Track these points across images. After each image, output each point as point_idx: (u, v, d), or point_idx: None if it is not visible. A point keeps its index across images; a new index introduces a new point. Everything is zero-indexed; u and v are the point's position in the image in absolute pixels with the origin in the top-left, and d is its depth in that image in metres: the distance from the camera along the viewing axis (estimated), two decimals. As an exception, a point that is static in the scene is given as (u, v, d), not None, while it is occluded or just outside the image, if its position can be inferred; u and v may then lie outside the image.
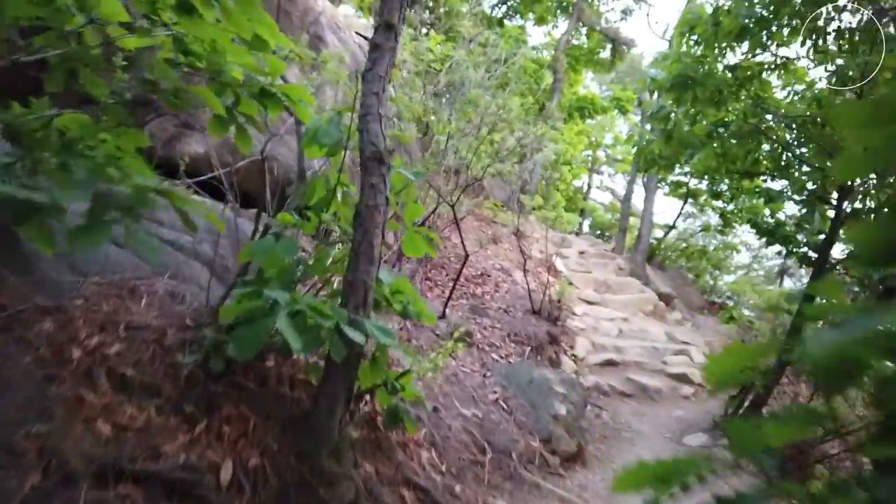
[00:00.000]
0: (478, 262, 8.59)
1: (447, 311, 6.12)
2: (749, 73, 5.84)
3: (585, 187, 25.89)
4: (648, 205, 11.87)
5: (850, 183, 5.74)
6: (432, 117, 8.32)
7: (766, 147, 6.40)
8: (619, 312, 9.68)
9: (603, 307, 9.87)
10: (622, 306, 10.04)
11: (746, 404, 5.80)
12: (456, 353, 5.42)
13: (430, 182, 8.54)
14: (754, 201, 14.73)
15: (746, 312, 9.42)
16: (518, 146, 9.94)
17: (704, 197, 16.00)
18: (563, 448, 4.62)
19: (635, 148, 6.73)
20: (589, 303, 9.94)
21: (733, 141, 6.39)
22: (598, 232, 25.24)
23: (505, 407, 4.81)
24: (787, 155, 6.46)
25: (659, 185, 15.87)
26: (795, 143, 6.17)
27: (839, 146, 5.68)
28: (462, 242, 6.88)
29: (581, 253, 12.57)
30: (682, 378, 7.32)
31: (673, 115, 6.18)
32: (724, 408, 6.06)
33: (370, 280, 2.51)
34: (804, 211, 13.30)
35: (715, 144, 6.29)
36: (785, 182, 12.35)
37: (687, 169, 14.44)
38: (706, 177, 15.02)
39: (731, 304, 12.55)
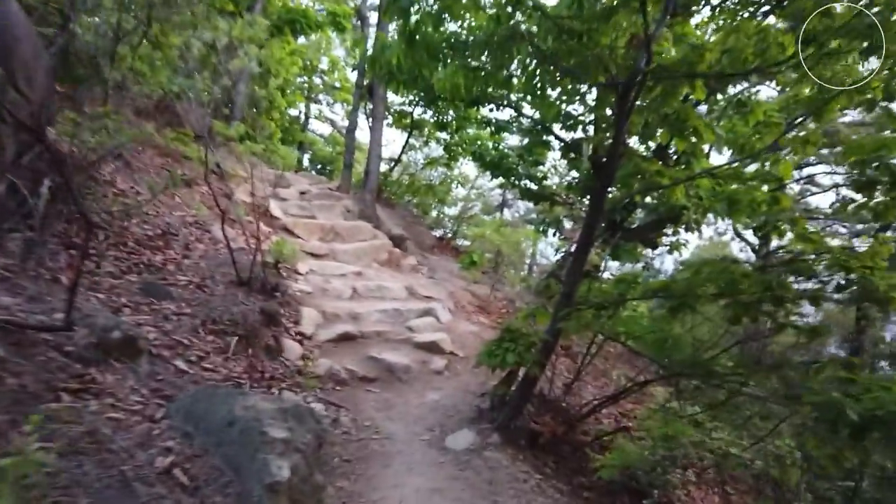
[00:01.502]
0: (159, 215, 6.07)
1: (76, 307, 3.69)
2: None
3: (303, 118, 23.59)
4: (375, 136, 10.35)
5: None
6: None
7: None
8: (352, 265, 8.12)
9: (332, 260, 8.19)
10: (354, 257, 8.49)
11: (515, 385, 4.73)
12: (99, 376, 3.19)
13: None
14: (479, 131, 14.42)
15: (487, 255, 8.66)
16: (208, 53, 7.37)
17: (428, 129, 15.25)
18: (290, 531, 2.84)
19: (368, 56, 4.93)
20: (315, 256, 8.16)
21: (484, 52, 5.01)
22: (319, 166, 23.37)
23: (185, 482, 2.80)
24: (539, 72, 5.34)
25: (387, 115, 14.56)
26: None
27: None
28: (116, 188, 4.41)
29: (302, 193, 10.60)
30: (432, 348, 6.09)
31: (416, 6, 4.50)
32: (491, 395, 4.93)
33: None
34: (526, 142, 13.33)
35: (467, 53, 4.83)
36: (512, 112, 12.04)
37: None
38: (432, 106, 14.17)
39: (469, 245, 12.01)
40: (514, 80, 5.51)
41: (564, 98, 6.13)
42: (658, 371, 5.15)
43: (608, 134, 10.92)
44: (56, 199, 4.73)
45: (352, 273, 7.82)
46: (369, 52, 4.93)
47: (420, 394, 5.41)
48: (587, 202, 10.05)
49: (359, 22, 12.95)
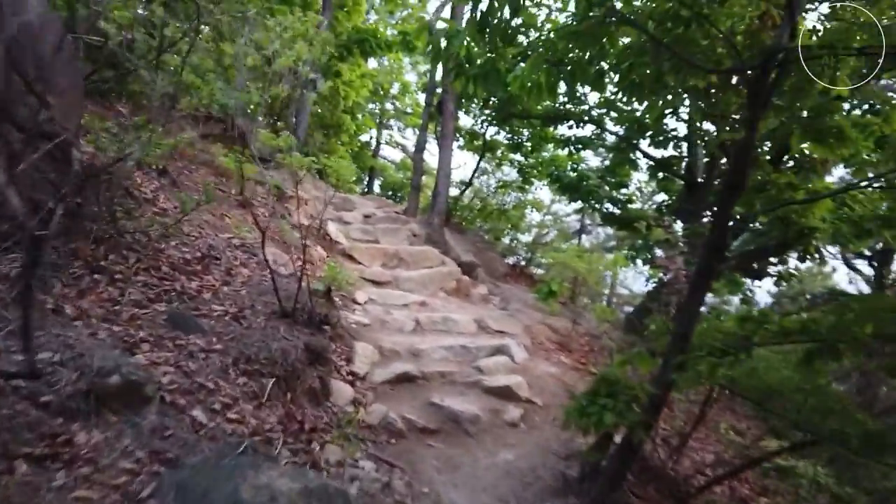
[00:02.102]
0: (202, 236, 5.52)
1: (69, 343, 3.04)
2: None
3: (374, 143, 23.45)
4: (444, 155, 9.62)
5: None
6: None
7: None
8: (416, 294, 7.33)
9: (395, 288, 7.44)
10: (419, 285, 7.72)
11: (612, 450, 3.72)
12: (80, 436, 2.50)
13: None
14: (557, 152, 13.48)
15: (566, 284, 7.65)
16: (267, 65, 6.89)
17: (501, 150, 14.47)
18: None
19: (430, 48, 4.17)
20: (376, 283, 7.44)
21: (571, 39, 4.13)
22: (390, 193, 23.03)
23: None
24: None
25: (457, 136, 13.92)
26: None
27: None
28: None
29: (367, 217, 9.99)
30: (506, 393, 5.15)
31: (490, -17, 3.71)
32: (582, 461, 3.94)
33: None
34: (608, 161, 12.26)
35: (552, 36, 3.97)
36: (593, 128, 11.05)
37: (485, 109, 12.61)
38: (505, 124, 13.39)
39: (544, 272, 11.02)
40: (607, 78, 4.60)
41: (666, 100, 5.15)
42: (799, 434, 3.99)
43: (703, 151, 9.75)
44: (82, 215, 4.22)
45: (415, 303, 7.02)
46: (435, 42, 4.12)
47: (491, 452, 4.47)
48: (680, 227, 8.90)
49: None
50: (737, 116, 4.62)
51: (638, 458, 4.13)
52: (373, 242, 8.65)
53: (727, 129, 5.89)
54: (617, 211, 11.54)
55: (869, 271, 13.82)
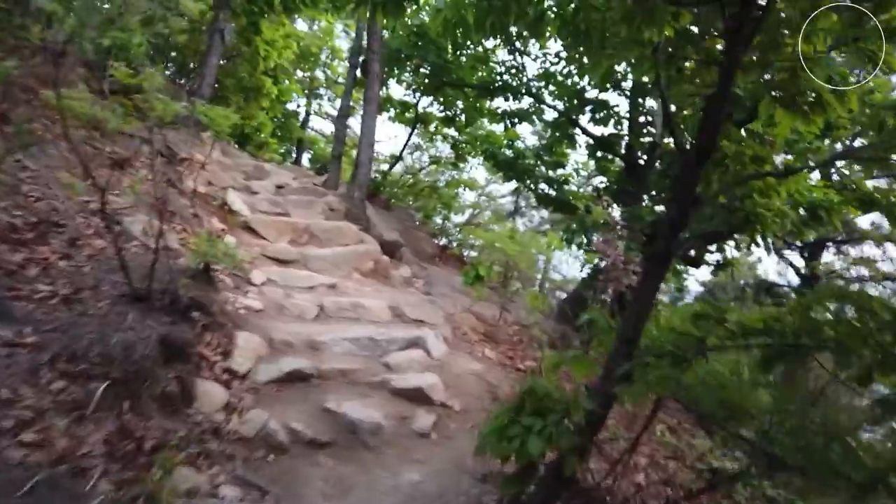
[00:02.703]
0: (45, 198, 4.40)
1: None
2: None
3: (304, 114, 22.03)
4: (368, 121, 8.61)
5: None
6: None
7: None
8: (326, 275, 6.41)
9: (301, 268, 6.49)
10: (331, 265, 6.78)
11: (539, 480, 2.96)
12: None
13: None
14: (492, 128, 12.71)
15: (496, 268, 6.90)
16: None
17: (435, 124, 13.60)
18: None
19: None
20: (280, 262, 6.47)
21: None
22: (319, 167, 21.74)
23: None
24: None
25: (384, 108, 12.92)
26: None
27: None
28: None
29: (279, 188, 8.92)
30: (417, 396, 4.34)
31: None
32: (501, 491, 3.17)
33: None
34: (544, 140, 11.60)
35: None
36: (530, 100, 10.30)
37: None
38: (439, 98, 12.48)
39: (476, 256, 10.27)
40: (547, 18, 3.81)
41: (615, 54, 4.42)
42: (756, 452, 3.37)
43: (646, 130, 9.20)
44: None
45: (323, 285, 6.11)
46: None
47: (393, 471, 3.66)
48: (618, 210, 8.32)
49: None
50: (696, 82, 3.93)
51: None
52: (281, 215, 7.63)
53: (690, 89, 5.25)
54: (552, 192, 10.93)
55: (799, 262, 13.86)
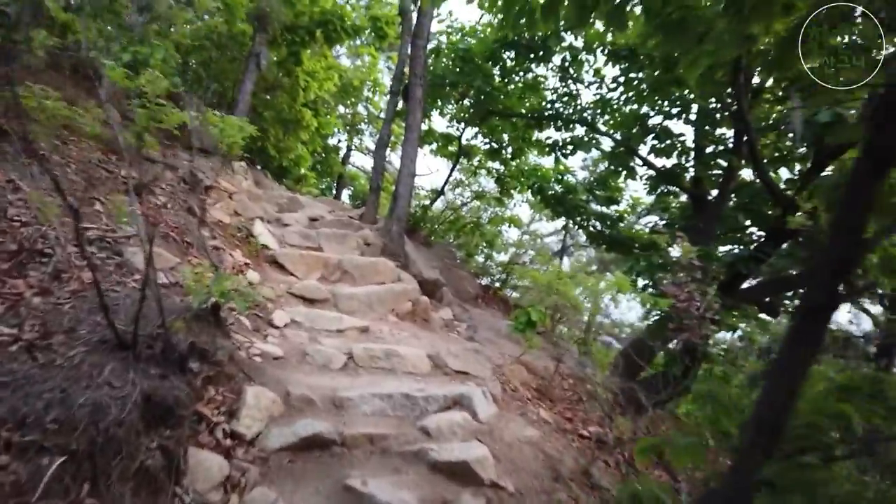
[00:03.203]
0: (33, 221, 3.81)
1: None
2: None
3: (345, 149, 21.86)
4: (409, 150, 7.98)
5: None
6: None
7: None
8: (357, 317, 5.70)
9: (330, 308, 5.79)
10: (364, 305, 6.07)
11: None
12: None
13: None
14: (540, 162, 11.98)
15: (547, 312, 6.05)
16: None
17: (479, 158, 12.97)
18: None
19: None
20: (307, 301, 5.79)
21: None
22: (359, 202, 21.38)
23: None
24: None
25: (426, 141, 12.38)
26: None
27: None
28: None
29: (313, 220, 8.33)
30: (462, 472, 3.49)
31: None
32: None
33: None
34: (598, 173, 10.79)
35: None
36: (583, 131, 9.52)
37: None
38: (483, 129, 11.86)
39: (519, 297, 9.43)
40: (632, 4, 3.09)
41: (720, 48, 3.65)
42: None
43: (713, 161, 8.29)
44: None
45: (355, 328, 5.37)
46: None
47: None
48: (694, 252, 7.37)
49: (401, 25, 10.82)
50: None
51: None
52: (312, 250, 6.99)
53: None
54: (606, 230, 10.06)
55: (877, 310, 12.47)
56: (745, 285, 6.94)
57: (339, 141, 20.93)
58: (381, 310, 6.16)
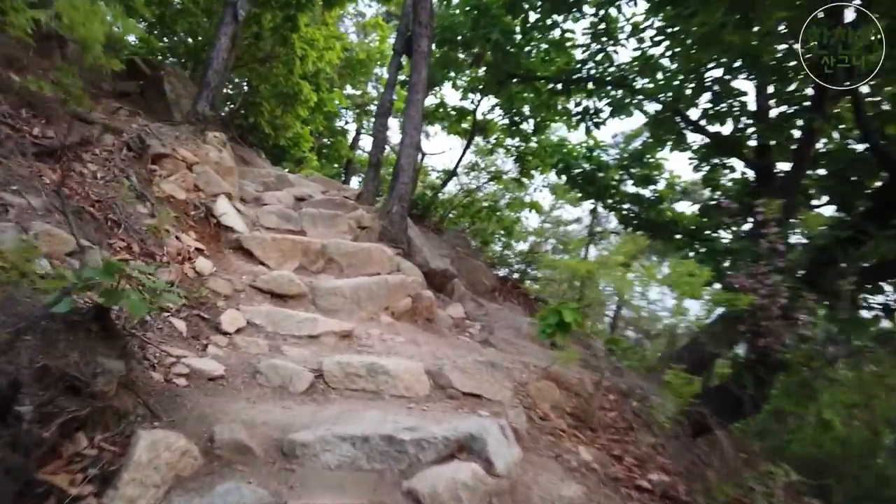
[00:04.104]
0: None
1: None
2: None
3: (353, 133, 20.64)
4: (413, 114, 6.59)
5: None
6: None
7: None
8: (339, 317, 4.44)
9: (306, 307, 4.54)
10: (351, 302, 4.79)
11: None
12: None
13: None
14: (566, 136, 10.57)
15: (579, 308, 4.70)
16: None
17: (497, 136, 11.63)
18: None
19: None
20: (277, 297, 4.53)
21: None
22: (367, 187, 20.13)
23: None
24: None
25: (436, 118, 11.07)
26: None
27: None
28: None
29: (299, 200, 7.07)
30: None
31: None
32: None
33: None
34: (637, 145, 9.39)
35: None
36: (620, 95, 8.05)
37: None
38: (501, 99, 10.48)
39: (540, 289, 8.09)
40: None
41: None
42: None
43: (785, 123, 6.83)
44: None
45: (333, 333, 4.10)
46: None
47: None
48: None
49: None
50: None
51: None
52: (292, 233, 5.74)
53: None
54: (642, 213, 8.70)
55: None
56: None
57: (347, 123, 19.69)
58: (371, 307, 4.88)
